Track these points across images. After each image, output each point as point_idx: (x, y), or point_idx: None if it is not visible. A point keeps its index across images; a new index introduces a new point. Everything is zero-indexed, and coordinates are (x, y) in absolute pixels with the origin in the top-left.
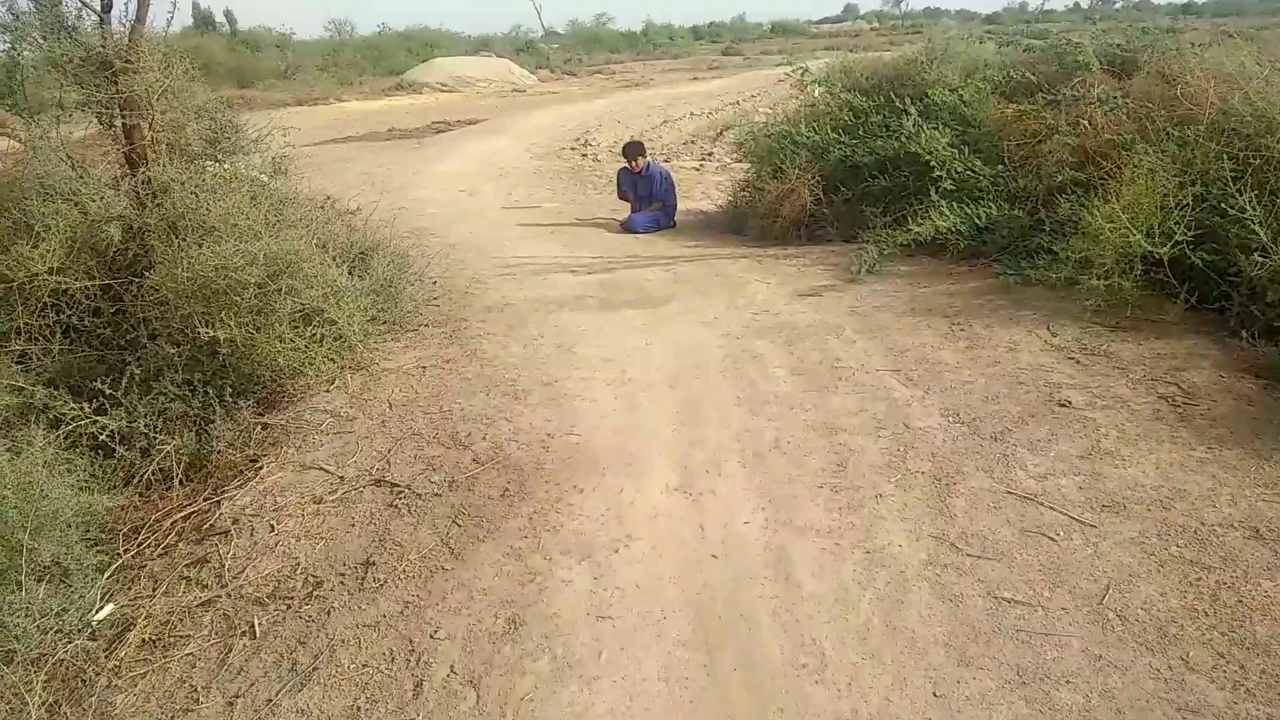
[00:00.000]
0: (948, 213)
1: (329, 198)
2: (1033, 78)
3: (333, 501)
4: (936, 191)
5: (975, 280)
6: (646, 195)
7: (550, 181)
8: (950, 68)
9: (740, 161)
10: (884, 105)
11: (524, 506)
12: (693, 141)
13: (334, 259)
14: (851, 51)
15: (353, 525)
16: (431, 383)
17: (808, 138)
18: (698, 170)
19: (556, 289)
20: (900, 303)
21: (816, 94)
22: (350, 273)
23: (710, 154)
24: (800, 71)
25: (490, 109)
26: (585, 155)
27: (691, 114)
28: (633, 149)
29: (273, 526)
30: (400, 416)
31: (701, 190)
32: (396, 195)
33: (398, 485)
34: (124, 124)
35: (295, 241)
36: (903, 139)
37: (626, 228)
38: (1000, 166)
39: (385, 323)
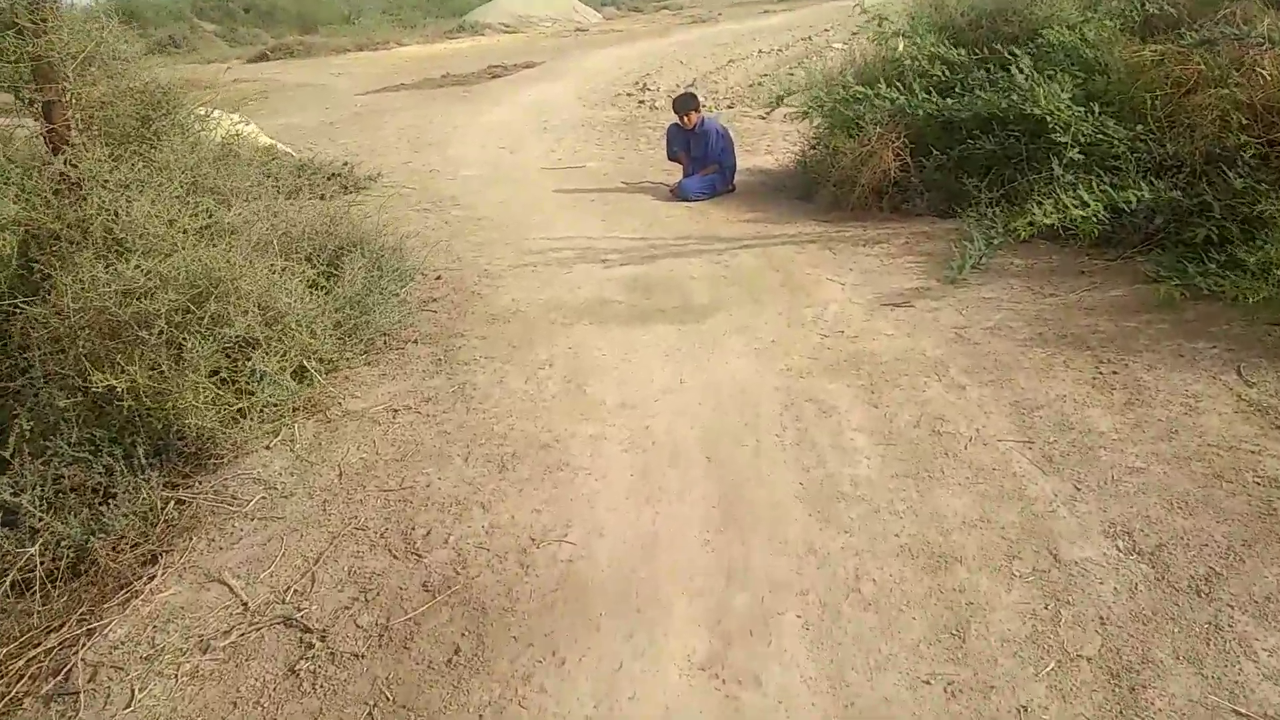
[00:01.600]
0: (1086, 198)
1: (307, 164)
2: (1170, 9)
3: (222, 651)
4: (1060, 162)
5: (1119, 285)
6: (701, 156)
7: (600, 135)
8: None
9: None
10: (985, 53)
11: (475, 689)
12: (760, 84)
13: (302, 261)
14: None
15: (234, 706)
16: (400, 437)
17: (890, 98)
18: (764, 120)
19: (580, 289)
20: (1021, 321)
21: (900, 49)
22: (325, 279)
23: (780, 98)
24: (876, 21)
25: (550, 50)
26: (643, 102)
27: (760, 52)
28: (684, 102)
29: (134, 691)
30: (348, 494)
31: (767, 144)
32: (432, 153)
33: (311, 631)
34: (43, 100)
35: (228, 253)
36: (1013, 96)
37: (678, 194)
38: (1140, 127)
39: (361, 341)
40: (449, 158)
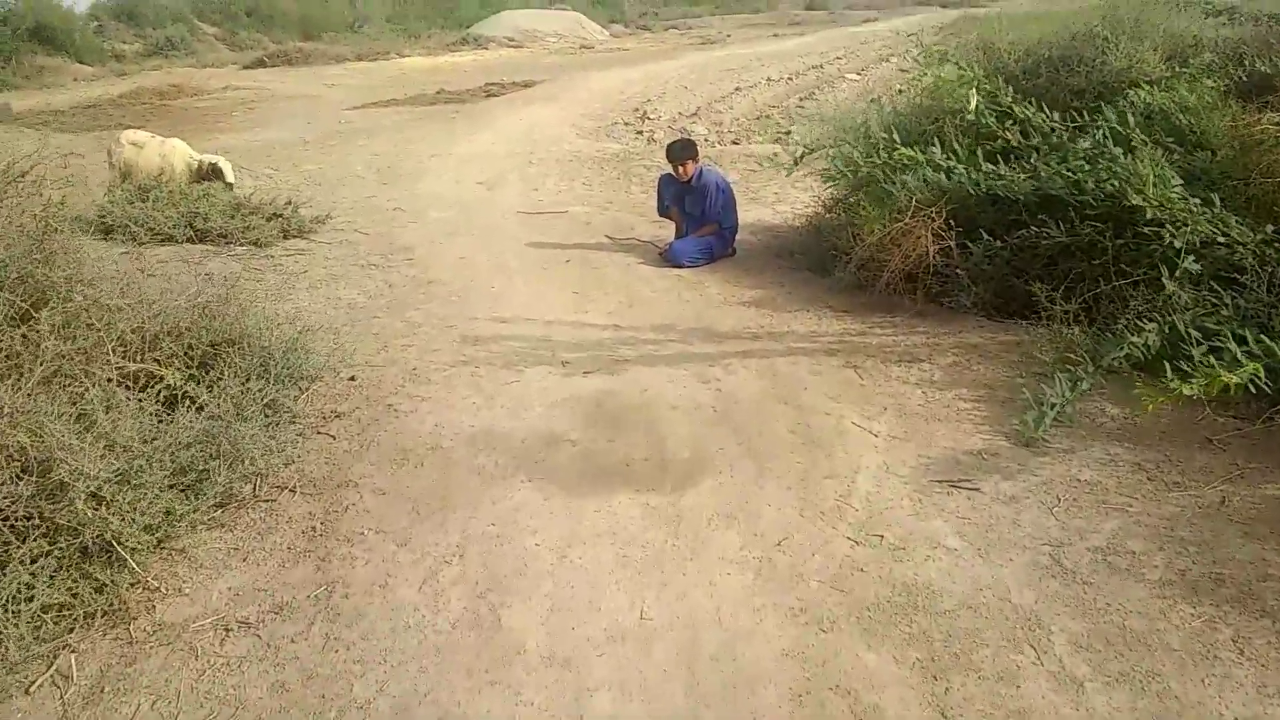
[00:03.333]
0: (1238, 353)
1: (244, 203)
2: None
3: None
4: (1169, 272)
5: (1274, 470)
6: (697, 214)
7: (589, 173)
8: (1144, 47)
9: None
10: (1044, 110)
11: None
12: (768, 116)
13: (167, 366)
14: (946, 8)
15: None
16: (215, 691)
17: (947, 168)
18: (772, 163)
19: (525, 413)
20: (1145, 539)
21: (974, 106)
22: (200, 384)
23: (789, 133)
24: (936, 59)
25: (551, 68)
26: (641, 133)
27: (769, 80)
28: (680, 150)
29: None
30: None
31: (775, 191)
32: (401, 187)
33: None
34: None
35: None
36: (1102, 169)
37: (668, 258)
38: (1271, 228)
39: (213, 494)
40: (418, 194)
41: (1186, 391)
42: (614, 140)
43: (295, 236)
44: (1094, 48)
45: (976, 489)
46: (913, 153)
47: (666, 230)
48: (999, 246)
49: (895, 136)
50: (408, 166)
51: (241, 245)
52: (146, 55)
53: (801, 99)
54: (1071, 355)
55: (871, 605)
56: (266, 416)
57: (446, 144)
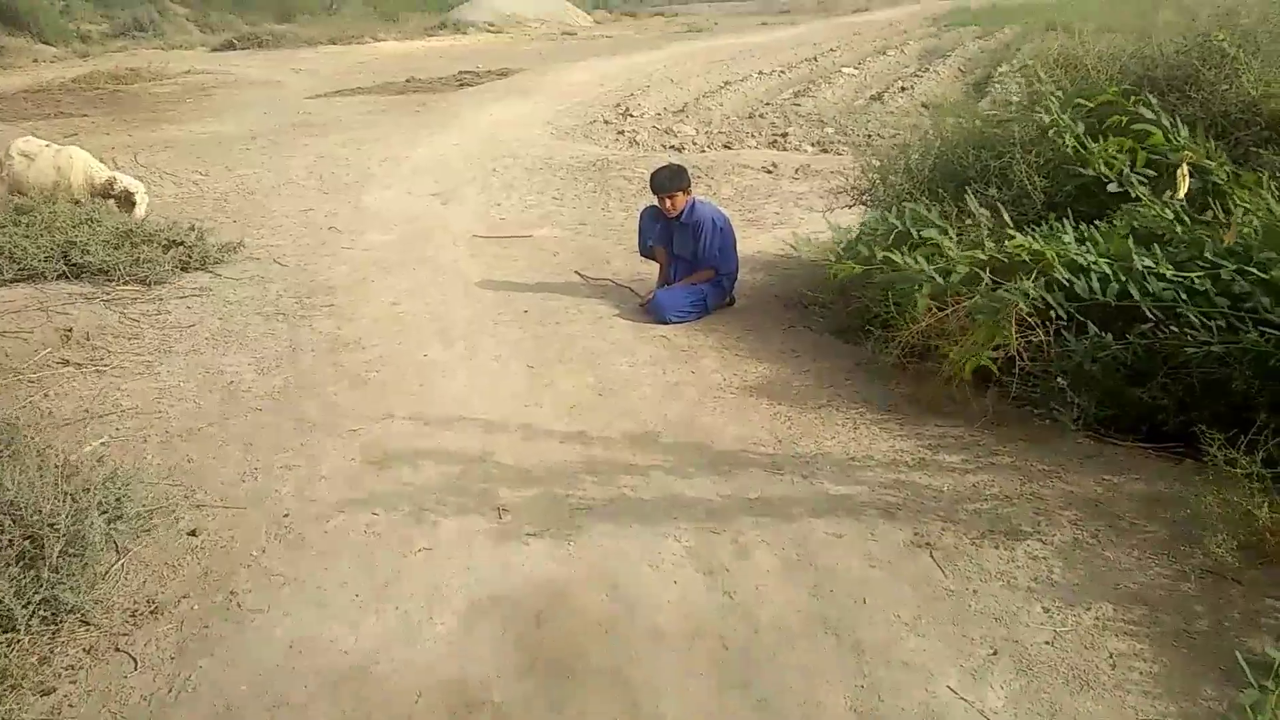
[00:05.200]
0: None
1: (134, 230)
2: None
3: None
4: None
5: None
6: (688, 256)
7: (561, 183)
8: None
9: (854, 198)
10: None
11: None
12: (760, 115)
13: None
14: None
15: None
16: None
17: (1102, 274)
18: (770, 174)
19: (425, 628)
20: None
21: (1182, 192)
22: None
23: (785, 135)
24: (1054, 94)
25: (531, 56)
26: (622, 133)
27: (760, 73)
28: (667, 180)
29: None
30: None
31: (775, 210)
32: (343, 198)
33: None
34: None
35: None
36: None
37: (653, 311)
38: None
39: None
40: (362, 208)
41: None
42: (592, 142)
43: (198, 269)
44: (1215, 66)
45: None
46: (1042, 246)
47: (649, 270)
48: (1114, 344)
49: (1006, 216)
50: (357, 171)
51: (127, 283)
52: (113, 36)
53: (796, 94)
54: (1268, 537)
55: None
56: (42, 622)
57: (405, 144)
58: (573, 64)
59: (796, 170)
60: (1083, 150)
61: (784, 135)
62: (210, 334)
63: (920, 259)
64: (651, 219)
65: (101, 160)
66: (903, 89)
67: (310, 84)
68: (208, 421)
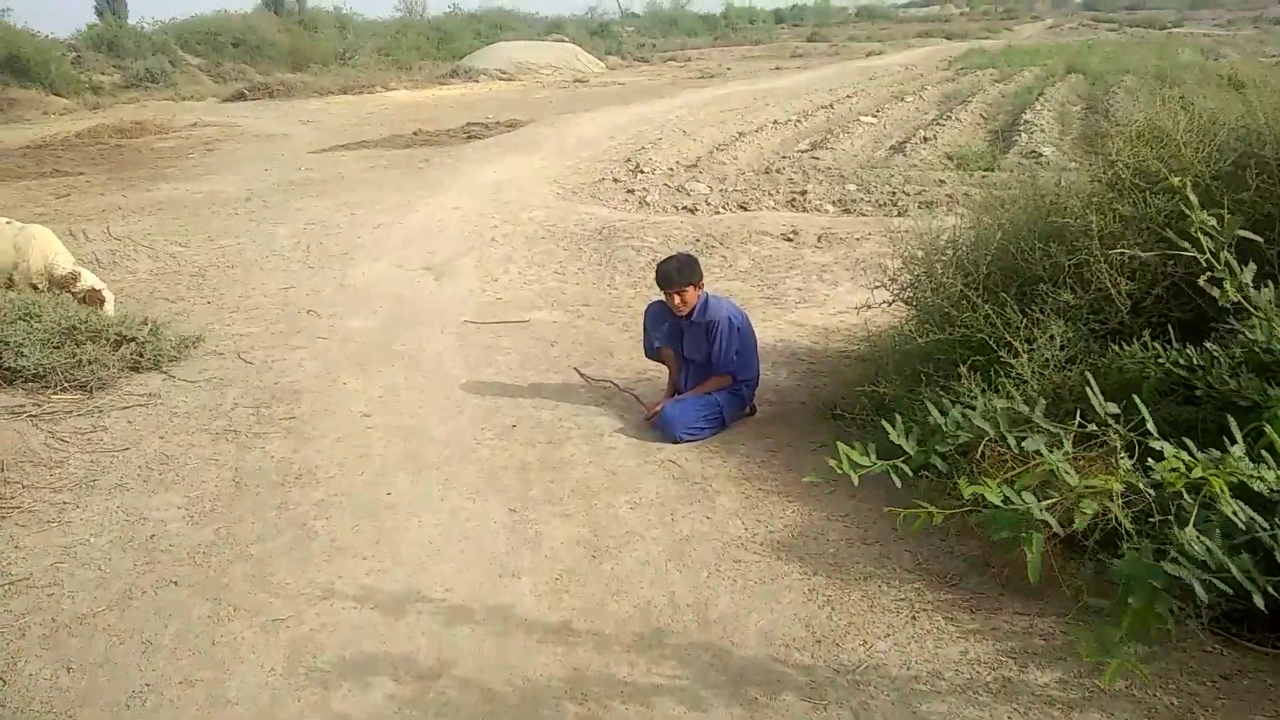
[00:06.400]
0: None
1: (79, 326)
2: None
3: None
4: None
5: None
6: (701, 359)
7: (564, 255)
8: None
9: (896, 292)
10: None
11: None
12: (778, 170)
13: None
14: (950, 39)
15: None
16: None
17: None
18: (790, 242)
19: None
20: None
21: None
22: None
23: (804, 193)
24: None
25: (541, 105)
26: (632, 192)
27: (775, 122)
28: (676, 274)
29: None
30: None
31: (797, 284)
32: (328, 273)
33: None
34: None
35: None
36: None
37: (661, 427)
38: None
39: None
40: (346, 285)
41: None
42: (600, 202)
43: (151, 369)
44: None
45: None
46: (1203, 468)
47: (657, 366)
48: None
49: (1152, 425)
50: (346, 241)
51: (65, 390)
52: (125, 87)
53: (813, 145)
54: None
55: None
56: None
57: (401, 207)
58: (582, 114)
59: (819, 238)
60: (1213, 261)
61: (803, 194)
62: (145, 461)
63: (1029, 497)
64: (658, 316)
65: (72, 234)
66: (925, 139)
67: (316, 137)
68: (108, 603)
